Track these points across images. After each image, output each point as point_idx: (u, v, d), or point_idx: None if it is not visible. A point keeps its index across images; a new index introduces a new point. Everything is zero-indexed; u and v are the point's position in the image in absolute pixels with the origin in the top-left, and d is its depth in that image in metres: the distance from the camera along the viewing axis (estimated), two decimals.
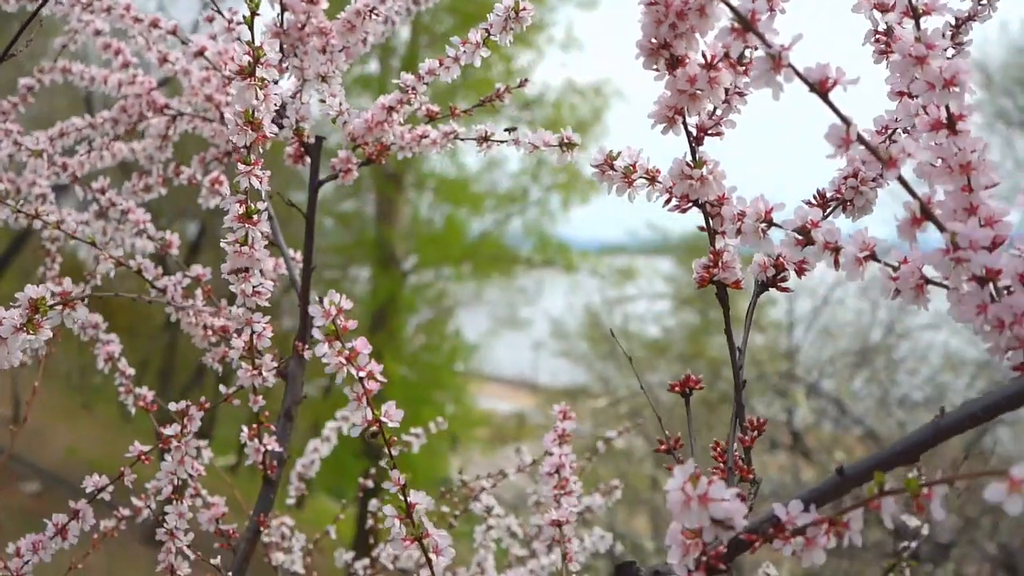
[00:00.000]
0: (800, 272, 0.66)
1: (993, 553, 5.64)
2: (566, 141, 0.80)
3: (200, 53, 1.03)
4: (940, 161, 0.54)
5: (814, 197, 0.68)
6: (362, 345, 0.62)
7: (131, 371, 1.08)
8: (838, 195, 0.68)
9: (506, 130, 0.96)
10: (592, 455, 1.50)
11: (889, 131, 0.68)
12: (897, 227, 0.51)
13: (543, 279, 12.27)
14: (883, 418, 6.50)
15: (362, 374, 0.61)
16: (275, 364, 0.90)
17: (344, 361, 0.61)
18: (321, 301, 0.60)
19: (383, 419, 0.62)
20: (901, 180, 0.50)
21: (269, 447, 0.96)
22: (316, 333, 0.61)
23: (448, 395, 11.36)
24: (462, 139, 0.96)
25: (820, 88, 0.50)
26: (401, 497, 0.64)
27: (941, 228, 0.51)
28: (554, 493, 0.92)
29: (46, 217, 0.94)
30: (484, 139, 0.94)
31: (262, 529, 0.97)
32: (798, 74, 0.50)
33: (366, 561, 1.34)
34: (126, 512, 1.10)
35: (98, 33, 1.19)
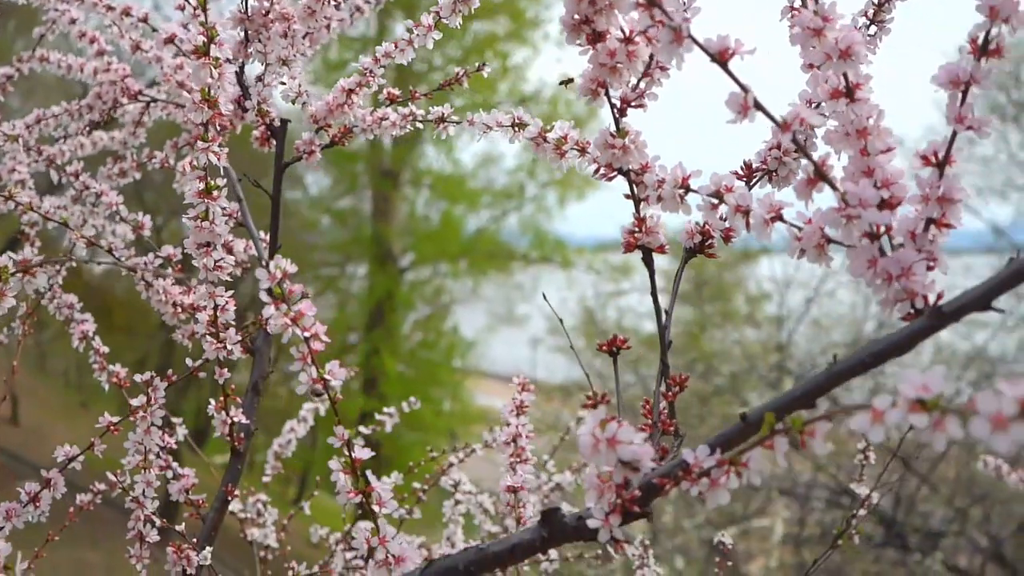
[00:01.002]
0: (727, 239, 0.70)
1: (984, 544, 5.69)
2: (517, 122, 0.83)
3: (170, 40, 1.06)
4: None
5: (740, 168, 0.72)
6: (307, 307, 0.65)
7: (105, 349, 1.11)
8: (763, 166, 0.71)
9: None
10: (564, 435, 1.53)
11: (813, 104, 0.71)
12: (794, 187, 0.55)
13: (539, 275, 12.31)
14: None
15: (307, 334, 0.65)
16: (239, 337, 0.93)
17: (290, 322, 0.64)
18: (267, 266, 0.63)
19: (327, 377, 0.66)
20: (795, 142, 0.54)
21: (236, 419, 0.99)
22: (264, 295, 0.64)
23: (445, 392, 11.39)
24: (420, 121, 1.00)
25: (720, 58, 0.54)
26: (346, 452, 0.68)
27: (835, 188, 0.54)
28: (510, 461, 0.96)
29: (19, 198, 0.98)
30: (441, 120, 0.98)
31: (229, 498, 1.01)
32: (699, 44, 0.53)
33: (338, 535, 1.38)
34: (101, 486, 1.13)
35: (73, 22, 1.22)
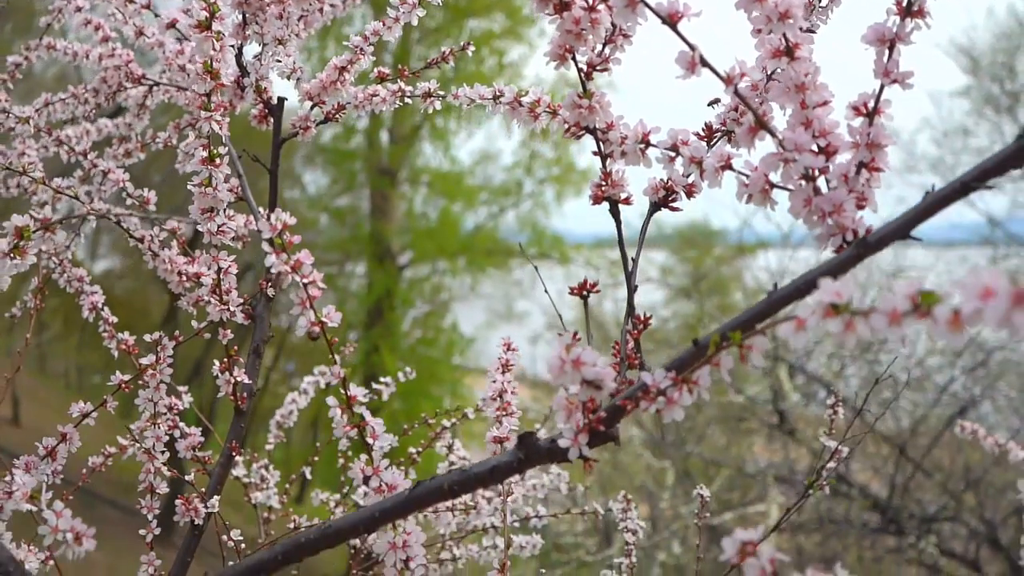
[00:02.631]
0: (689, 194, 0.76)
1: (978, 529, 5.75)
2: (496, 94, 0.90)
3: (172, 25, 1.12)
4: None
5: (702, 128, 0.78)
6: (305, 256, 0.72)
7: (114, 319, 1.18)
8: (723, 127, 0.78)
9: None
10: (547, 418, 1.59)
11: (768, 70, 0.78)
12: (737, 135, 0.61)
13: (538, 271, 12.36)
14: (870, 397, 6.61)
15: (306, 280, 0.71)
16: (241, 299, 1.00)
17: (290, 269, 0.71)
18: (268, 218, 0.70)
19: (324, 319, 0.72)
20: (738, 95, 0.60)
21: (239, 379, 1.06)
22: (265, 245, 0.71)
23: (445, 389, 11.44)
24: (409, 97, 1.06)
25: (670, 20, 0.60)
26: (342, 390, 0.74)
27: (774, 135, 0.60)
28: (497, 414, 1.02)
29: (33, 174, 1.04)
30: (428, 95, 1.04)
31: (234, 454, 1.07)
32: (650, 8, 0.59)
33: (338, 496, 1.44)
34: (112, 450, 1.20)
35: (79, 10, 1.29)
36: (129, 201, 1.14)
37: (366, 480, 0.73)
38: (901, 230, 0.56)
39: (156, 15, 1.17)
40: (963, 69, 9.64)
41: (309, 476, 1.43)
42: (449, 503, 1.22)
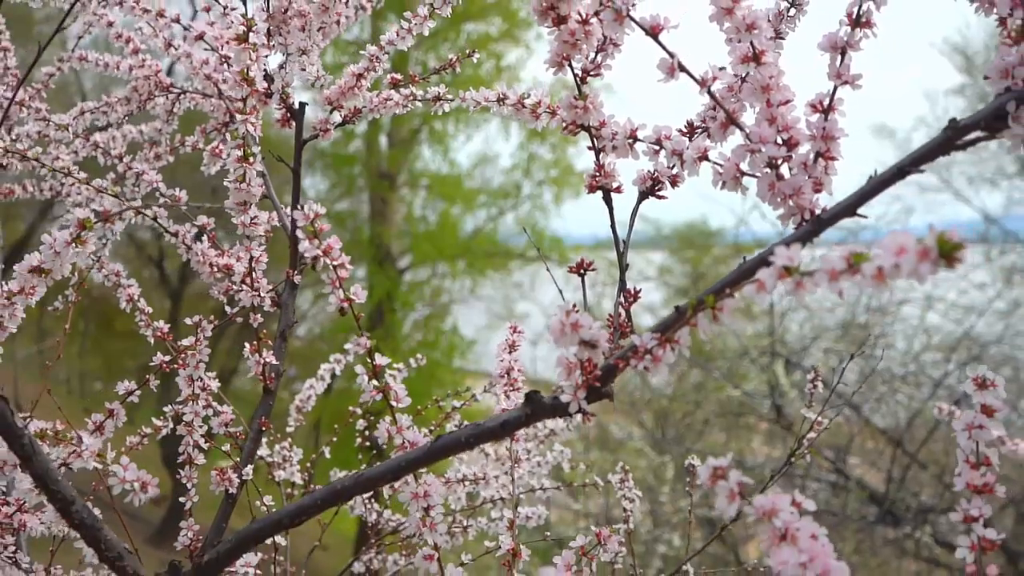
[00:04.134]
0: (674, 184, 0.86)
1: None
2: (500, 97, 1.00)
3: (200, 37, 1.22)
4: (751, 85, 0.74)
5: (685, 125, 0.88)
6: (335, 242, 0.82)
7: (149, 309, 1.28)
8: (703, 124, 0.88)
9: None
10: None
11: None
12: (710, 130, 0.71)
13: (537, 273, 12.46)
14: (865, 392, 6.72)
15: (336, 263, 0.81)
16: (271, 287, 1.09)
17: (321, 253, 0.81)
18: (303, 207, 0.80)
19: (352, 296, 0.82)
20: (711, 94, 0.70)
21: (268, 361, 1.16)
22: (300, 232, 0.81)
23: (447, 391, 11.53)
24: (419, 100, 1.16)
25: (653, 32, 0.70)
26: (369, 359, 0.84)
27: (742, 129, 0.70)
28: (504, 390, 1.12)
29: (76, 174, 1.14)
30: (438, 98, 1.14)
31: (263, 429, 1.17)
32: (635, 22, 0.69)
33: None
34: (147, 430, 1.29)
35: (110, 24, 1.39)
36: (161, 200, 1.24)
37: (390, 440, 0.83)
38: (849, 209, 0.66)
39: (186, 28, 1.27)
40: (958, 68, 9.73)
41: (328, 455, 1.53)
42: (462, 476, 1.32)
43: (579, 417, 0.75)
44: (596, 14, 0.76)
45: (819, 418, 1.30)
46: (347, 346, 1.71)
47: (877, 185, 0.65)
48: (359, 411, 1.53)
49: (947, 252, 0.47)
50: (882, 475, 6.80)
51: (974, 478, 0.68)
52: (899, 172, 0.65)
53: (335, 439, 1.59)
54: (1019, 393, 7.17)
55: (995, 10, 0.66)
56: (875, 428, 6.94)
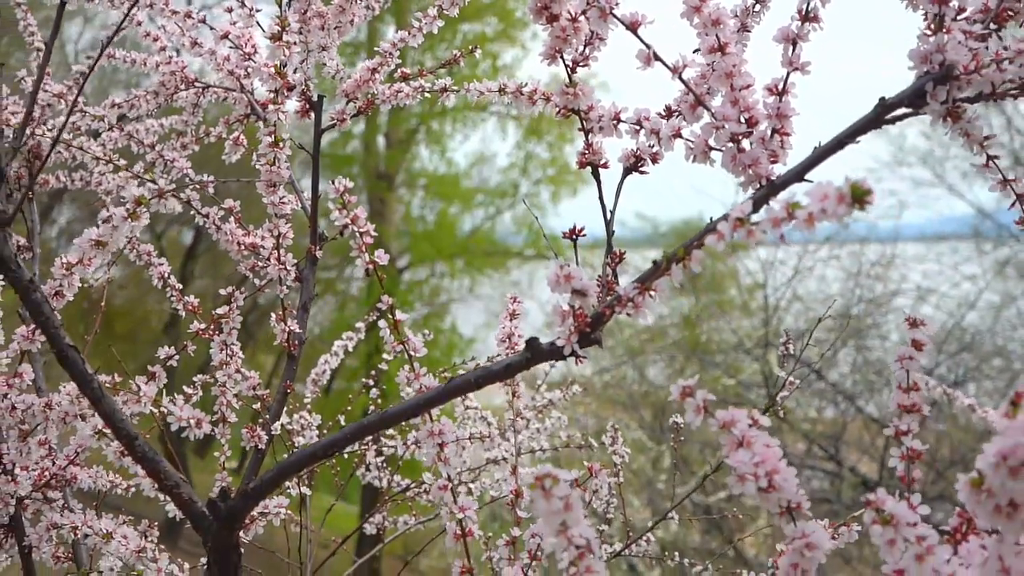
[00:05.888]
0: (654, 160, 0.98)
1: (964, 503, 5.97)
2: (501, 87, 1.12)
3: (225, 36, 1.34)
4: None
5: (664, 108, 1.00)
6: (361, 212, 0.94)
7: (179, 286, 1.40)
8: (679, 107, 1.00)
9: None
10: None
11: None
12: (679, 109, 0.83)
13: (535, 272, 12.59)
14: (858, 381, 6.87)
15: (362, 230, 0.93)
16: (296, 261, 1.22)
17: (350, 221, 0.93)
18: (334, 182, 0.92)
19: (376, 260, 0.94)
20: (681, 80, 0.83)
21: (292, 329, 1.28)
22: (331, 204, 0.93)
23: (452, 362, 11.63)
24: (428, 92, 1.28)
25: (632, 27, 0.82)
26: (390, 315, 0.96)
27: (708, 109, 0.83)
28: (506, 353, 1.24)
29: (118, 161, 1.26)
30: (444, 90, 1.26)
31: (288, 391, 1.29)
32: (617, 19, 0.82)
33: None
34: (188, 390, 1.41)
35: (139, 24, 1.51)
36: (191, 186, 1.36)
37: (408, 383, 0.95)
38: (796, 176, 0.79)
39: (212, 28, 1.39)
40: None
41: (343, 423, 1.65)
42: (467, 433, 1.45)
43: (572, 362, 0.87)
44: (584, 12, 0.88)
45: (791, 378, 1.42)
46: (358, 324, 1.84)
47: (821, 155, 0.78)
48: (370, 382, 1.66)
49: (858, 197, 0.59)
50: (875, 465, 6.94)
51: (904, 400, 0.81)
52: (839, 143, 0.77)
53: (349, 408, 1.72)
54: (1009, 382, 7.31)
55: (920, 6, 0.78)
56: (868, 418, 7.08)
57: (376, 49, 1.24)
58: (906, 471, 0.78)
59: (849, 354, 7.24)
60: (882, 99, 0.76)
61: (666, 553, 1.70)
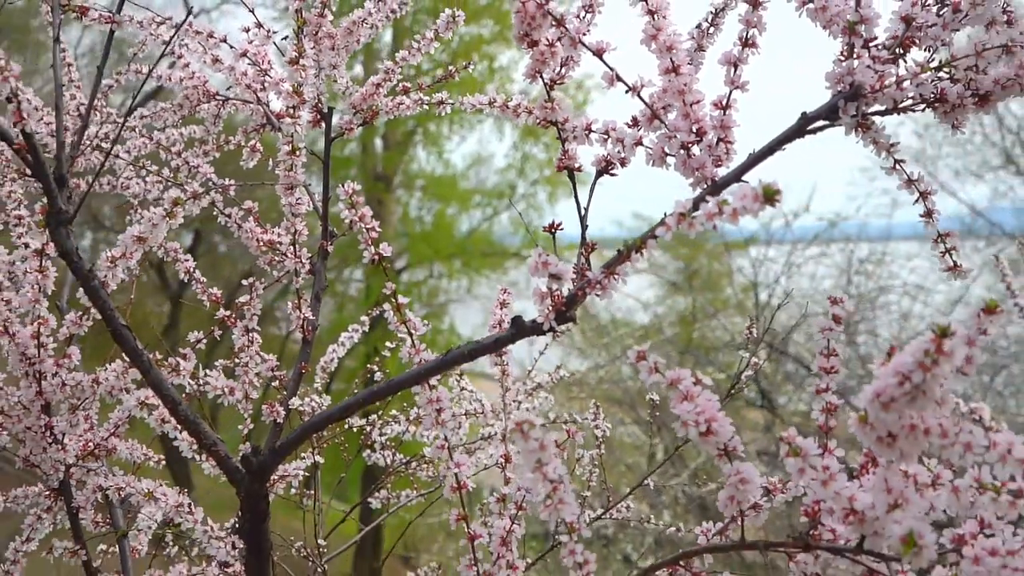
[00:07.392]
0: (622, 164, 1.14)
1: None
2: (491, 101, 1.27)
3: (244, 54, 1.50)
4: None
5: (631, 119, 1.16)
6: (367, 210, 1.09)
7: (204, 279, 1.55)
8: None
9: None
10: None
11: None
12: (638, 120, 0.99)
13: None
14: (848, 376, 7.03)
15: (368, 226, 1.09)
16: (310, 255, 1.37)
17: (358, 219, 1.08)
18: (344, 184, 1.08)
19: (381, 252, 1.10)
20: (640, 97, 0.98)
21: (307, 316, 1.43)
22: (341, 203, 1.08)
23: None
24: (427, 104, 1.44)
25: (597, 53, 0.98)
26: (393, 299, 1.11)
27: (662, 121, 0.98)
28: None
29: (148, 166, 1.41)
30: (441, 103, 1.42)
31: (303, 372, 1.44)
32: (584, 46, 0.97)
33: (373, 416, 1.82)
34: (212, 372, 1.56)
35: (165, 43, 1.66)
36: (214, 188, 1.52)
37: (410, 357, 1.11)
38: (734, 178, 0.94)
39: (231, 47, 1.54)
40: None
41: None
42: (463, 410, 1.60)
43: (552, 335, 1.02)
44: (559, 39, 1.03)
45: (755, 359, 1.57)
46: (363, 318, 2.00)
47: (753, 160, 0.93)
48: (376, 368, 1.81)
49: (769, 196, 0.75)
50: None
51: (824, 363, 0.96)
52: (769, 150, 0.93)
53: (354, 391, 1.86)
54: (997, 375, 7.48)
55: (836, 36, 0.94)
56: (858, 411, 7.22)
57: (379, 66, 1.40)
58: (824, 421, 0.94)
59: (841, 350, 7.38)
60: (804, 113, 0.92)
61: (643, 517, 1.85)
